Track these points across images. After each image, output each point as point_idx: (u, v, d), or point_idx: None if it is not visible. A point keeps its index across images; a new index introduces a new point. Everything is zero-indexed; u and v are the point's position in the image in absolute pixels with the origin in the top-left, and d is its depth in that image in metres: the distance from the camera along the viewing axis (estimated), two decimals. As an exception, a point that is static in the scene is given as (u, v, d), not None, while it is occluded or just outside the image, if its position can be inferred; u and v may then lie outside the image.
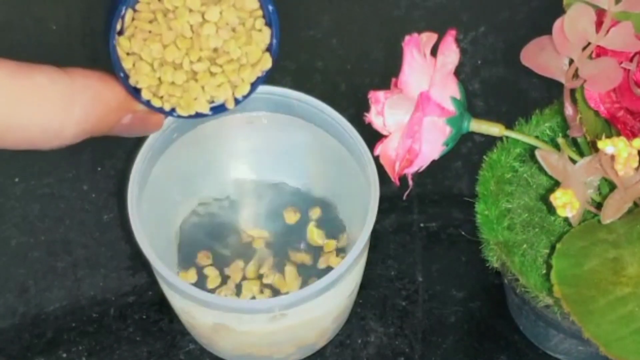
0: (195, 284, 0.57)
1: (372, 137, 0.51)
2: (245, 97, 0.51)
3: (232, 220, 0.60)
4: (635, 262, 0.47)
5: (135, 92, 0.49)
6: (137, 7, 0.48)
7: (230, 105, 0.51)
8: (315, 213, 0.60)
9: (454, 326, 0.61)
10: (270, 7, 0.50)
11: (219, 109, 0.51)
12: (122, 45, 0.48)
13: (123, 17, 0.48)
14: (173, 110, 0.50)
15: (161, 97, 0.49)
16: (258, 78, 0.51)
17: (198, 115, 0.51)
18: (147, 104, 0.49)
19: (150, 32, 0.48)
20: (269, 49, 0.51)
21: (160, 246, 0.56)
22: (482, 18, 0.73)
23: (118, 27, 0.48)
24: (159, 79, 0.49)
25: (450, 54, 0.49)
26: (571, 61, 0.48)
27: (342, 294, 0.54)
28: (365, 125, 0.51)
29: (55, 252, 0.63)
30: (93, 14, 0.74)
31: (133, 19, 0.48)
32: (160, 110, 0.50)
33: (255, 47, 0.50)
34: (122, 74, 0.48)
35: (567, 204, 0.46)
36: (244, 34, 0.50)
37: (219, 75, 0.50)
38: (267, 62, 0.51)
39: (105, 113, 0.47)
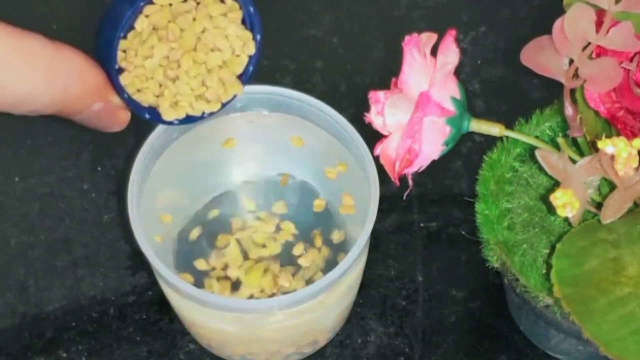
0: (195, 284, 0.57)
1: (372, 137, 0.51)
2: (211, 113, 0.52)
3: (232, 220, 0.60)
4: (635, 262, 0.47)
5: (121, 88, 0.50)
6: (146, 10, 0.49)
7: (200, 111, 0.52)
8: (315, 213, 0.60)
9: (454, 326, 0.61)
10: (259, 36, 0.52)
11: (187, 120, 0.52)
12: (125, 43, 0.49)
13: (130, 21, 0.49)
14: (147, 111, 0.51)
15: (139, 91, 0.51)
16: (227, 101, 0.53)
17: (164, 121, 0.52)
18: (129, 99, 0.50)
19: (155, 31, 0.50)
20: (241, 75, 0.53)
21: (160, 246, 0.56)
22: (482, 18, 0.73)
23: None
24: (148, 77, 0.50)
25: (450, 54, 0.49)
26: (571, 61, 0.48)
27: (342, 294, 0.54)
28: (365, 125, 0.51)
29: (55, 251, 0.63)
30: (94, 14, 0.73)
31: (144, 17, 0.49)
32: (137, 107, 0.50)
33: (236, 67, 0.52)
34: (116, 67, 0.49)
35: (567, 204, 0.46)
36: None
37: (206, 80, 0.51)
38: (238, 88, 0.53)
39: (82, 91, 0.47)
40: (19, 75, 0.45)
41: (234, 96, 0.53)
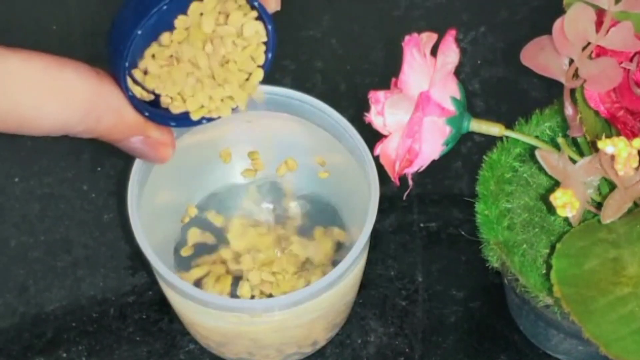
0: (195, 284, 0.57)
1: (372, 137, 0.51)
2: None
3: (232, 219, 0.60)
4: (635, 262, 0.47)
5: (143, 105, 0.49)
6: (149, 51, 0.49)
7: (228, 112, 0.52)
8: (315, 213, 0.60)
9: (454, 326, 0.61)
10: (270, 28, 0.51)
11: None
12: (138, 72, 0.49)
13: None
14: (174, 119, 0.51)
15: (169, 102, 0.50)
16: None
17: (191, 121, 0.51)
18: (155, 111, 0.50)
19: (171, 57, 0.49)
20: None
21: (160, 246, 0.56)
22: (482, 18, 0.73)
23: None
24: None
25: (450, 54, 0.49)
26: (571, 61, 0.49)
27: (342, 294, 0.54)
28: (365, 125, 0.51)
29: (55, 251, 0.63)
30: (93, 14, 0.74)
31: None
32: (164, 117, 0.50)
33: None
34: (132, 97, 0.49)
35: (567, 204, 0.46)
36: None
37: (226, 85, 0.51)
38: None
39: (118, 124, 0.48)
40: (51, 109, 0.45)
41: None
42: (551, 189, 0.52)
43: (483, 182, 0.55)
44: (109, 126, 0.47)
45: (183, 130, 0.56)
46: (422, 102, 0.48)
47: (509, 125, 0.53)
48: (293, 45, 0.72)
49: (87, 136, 0.48)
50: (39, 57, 0.45)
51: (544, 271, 0.52)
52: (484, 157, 0.56)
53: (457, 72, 0.49)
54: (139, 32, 0.47)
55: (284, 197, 0.61)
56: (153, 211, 0.56)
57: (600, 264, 0.48)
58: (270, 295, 0.57)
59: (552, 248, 0.50)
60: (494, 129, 0.51)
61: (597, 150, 0.47)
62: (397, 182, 0.50)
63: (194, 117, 0.51)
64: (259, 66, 0.52)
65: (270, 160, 0.60)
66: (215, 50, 0.50)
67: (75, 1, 0.74)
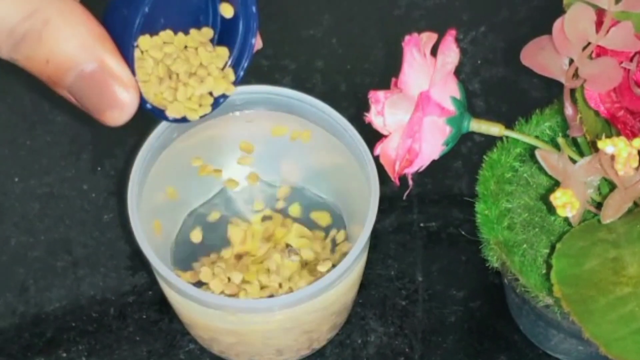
0: (195, 284, 0.57)
1: (372, 137, 0.51)
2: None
3: (232, 219, 0.60)
4: (635, 262, 0.47)
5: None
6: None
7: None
8: (315, 213, 0.60)
9: (454, 326, 0.61)
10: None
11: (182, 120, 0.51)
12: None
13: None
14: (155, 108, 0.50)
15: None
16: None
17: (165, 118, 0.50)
18: (153, 108, 0.48)
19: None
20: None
21: (160, 246, 0.56)
22: (482, 18, 0.73)
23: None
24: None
25: (450, 53, 0.49)
26: (571, 61, 0.49)
27: (342, 294, 0.54)
28: (365, 125, 0.51)
29: (55, 251, 0.63)
30: (93, 14, 0.73)
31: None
32: (162, 111, 0.49)
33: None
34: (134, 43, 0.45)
35: (567, 204, 0.46)
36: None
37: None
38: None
39: (68, 35, 0.40)
40: None
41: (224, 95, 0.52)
42: (551, 189, 0.52)
43: (483, 182, 0.55)
44: (56, 34, 0.39)
45: (183, 129, 0.56)
46: (422, 102, 0.48)
47: (509, 125, 0.53)
48: (293, 45, 0.72)
49: (30, 52, 0.39)
50: None
51: (544, 271, 0.52)
52: (484, 157, 0.56)
53: (457, 72, 0.49)
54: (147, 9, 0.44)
55: (283, 196, 0.61)
56: (153, 211, 0.56)
57: (600, 264, 0.48)
58: (270, 296, 0.57)
59: (552, 248, 0.50)
60: (494, 129, 0.51)
61: (597, 150, 0.47)
62: (397, 182, 0.50)
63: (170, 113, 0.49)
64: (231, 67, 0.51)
65: (270, 159, 0.61)
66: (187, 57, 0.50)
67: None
